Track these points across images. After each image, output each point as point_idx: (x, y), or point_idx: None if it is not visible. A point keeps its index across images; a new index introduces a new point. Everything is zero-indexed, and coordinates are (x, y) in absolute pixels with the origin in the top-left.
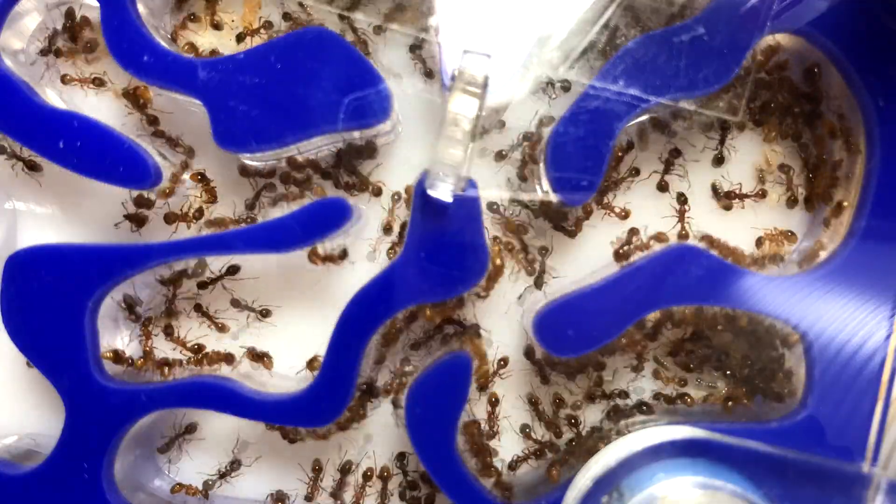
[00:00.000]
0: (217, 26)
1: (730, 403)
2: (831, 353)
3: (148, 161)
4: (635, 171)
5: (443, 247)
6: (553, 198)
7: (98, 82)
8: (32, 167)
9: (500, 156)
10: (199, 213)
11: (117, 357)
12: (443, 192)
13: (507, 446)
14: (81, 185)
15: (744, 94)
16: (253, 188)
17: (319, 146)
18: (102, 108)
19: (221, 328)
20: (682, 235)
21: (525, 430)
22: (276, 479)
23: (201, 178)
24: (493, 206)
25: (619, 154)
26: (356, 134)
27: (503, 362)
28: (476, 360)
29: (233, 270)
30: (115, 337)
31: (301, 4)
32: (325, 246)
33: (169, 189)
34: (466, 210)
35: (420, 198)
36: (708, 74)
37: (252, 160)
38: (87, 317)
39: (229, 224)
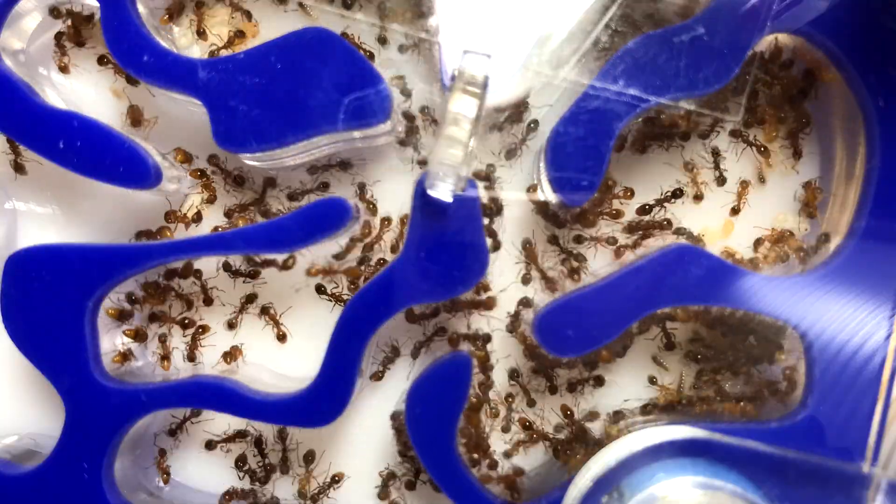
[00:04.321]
0: (202, 34)
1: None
2: (831, 353)
3: (148, 161)
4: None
5: (443, 247)
6: (553, 198)
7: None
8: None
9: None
10: (199, 216)
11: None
12: (443, 192)
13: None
14: (81, 185)
15: (744, 93)
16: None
17: (320, 146)
18: (102, 108)
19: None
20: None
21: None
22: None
23: (201, 174)
24: (527, 244)
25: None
26: (356, 134)
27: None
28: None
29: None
30: (116, 337)
31: (301, 4)
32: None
33: None
34: (466, 210)
35: (420, 198)
36: (708, 74)
37: (251, 160)
38: (87, 317)
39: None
